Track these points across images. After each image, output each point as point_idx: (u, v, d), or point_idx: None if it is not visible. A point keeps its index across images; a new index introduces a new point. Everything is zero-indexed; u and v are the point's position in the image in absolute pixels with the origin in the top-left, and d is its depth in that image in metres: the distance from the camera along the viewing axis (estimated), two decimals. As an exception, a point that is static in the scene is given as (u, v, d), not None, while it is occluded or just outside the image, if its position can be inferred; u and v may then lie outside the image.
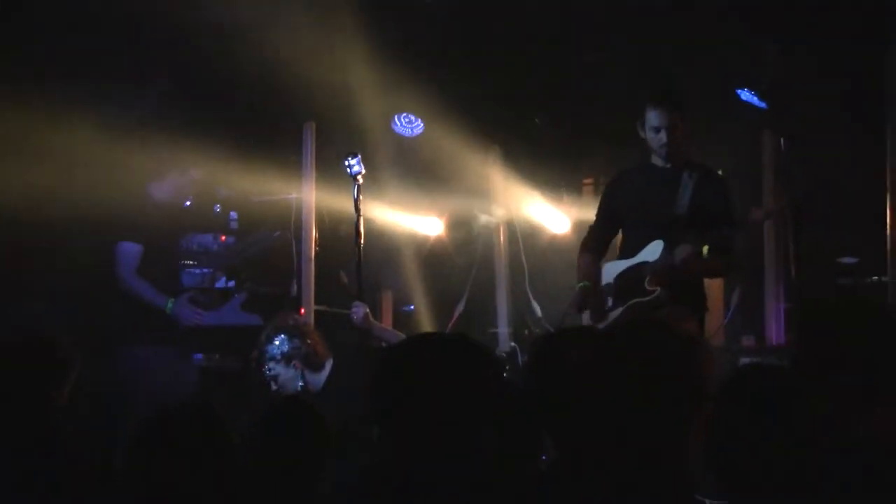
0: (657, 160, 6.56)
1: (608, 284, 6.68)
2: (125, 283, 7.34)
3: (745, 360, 7.29)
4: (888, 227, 6.06)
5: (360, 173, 6.82)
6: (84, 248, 7.54)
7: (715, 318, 8.32)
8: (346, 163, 6.83)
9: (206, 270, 7.90)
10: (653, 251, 6.48)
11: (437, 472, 2.96)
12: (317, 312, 8.09)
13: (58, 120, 7.31)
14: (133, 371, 7.23)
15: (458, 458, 2.99)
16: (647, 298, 6.43)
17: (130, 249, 7.35)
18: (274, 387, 6.56)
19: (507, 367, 8.26)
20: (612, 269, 6.71)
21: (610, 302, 6.65)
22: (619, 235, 6.89)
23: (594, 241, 6.89)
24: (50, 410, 4.27)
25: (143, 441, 3.37)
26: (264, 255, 8.18)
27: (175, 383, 7.32)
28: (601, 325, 6.45)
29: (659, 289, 6.41)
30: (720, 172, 6.95)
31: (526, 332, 8.62)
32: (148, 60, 7.76)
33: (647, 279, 6.45)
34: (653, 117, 6.46)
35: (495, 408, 3.10)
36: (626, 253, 6.69)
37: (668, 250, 6.42)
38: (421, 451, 2.97)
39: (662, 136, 6.44)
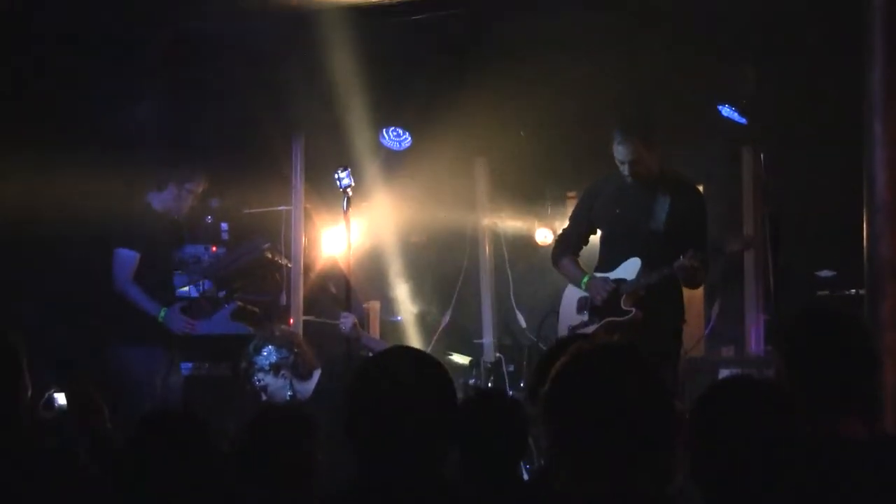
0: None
1: (584, 297, 6.78)
2: (120, 288, 7.39)
3: (724, 371, 7.38)
4: (865, 240, 6.15)
5: (349, 186, 6.88)
6: (82, 252, 7.63)
7: (696, 330, 8.43)
8: (336, 175, 6.88)
9: (196, 280, 7.97)
10: (630, 269, 6.57)
11: (403, 484, 3.03)
12: (305, 322, 8.17)
13: (59, 130, 7.40)
14: (120, 372, 7.26)
15: (421, 469, 3.07)
16: (623, 319, 6.53)
17: (127, 256, 7.42)
18: (264, 397, 6.63)
19: (492, 377, 8.35)
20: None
21: (585, 316, 6.75)
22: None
23: (569, 245, 6.96)
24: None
25: (129, 448, 3.42)
26: (254, 265, 8.24)
27: (163, 387, 7.38)
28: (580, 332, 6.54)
29: (634, 309, 6.52)
30: (699, 188, 7.07)
31: (510, 342, 8.70)
32: (145, 73, 7.83)
33: (623, 298, 6.57)
34: (618, 151, 6.55)
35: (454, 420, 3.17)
36: (602, 266, 6.77)
37: (645, 269, 6.53)
38: (384, 465, 3.04)
39: (626, 168, 6.55)
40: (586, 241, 7.02)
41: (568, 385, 2.55)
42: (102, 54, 7.49)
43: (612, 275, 6.64)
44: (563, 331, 6.78)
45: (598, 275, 6.74)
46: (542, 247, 9.46)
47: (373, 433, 3.05)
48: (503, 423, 3.98)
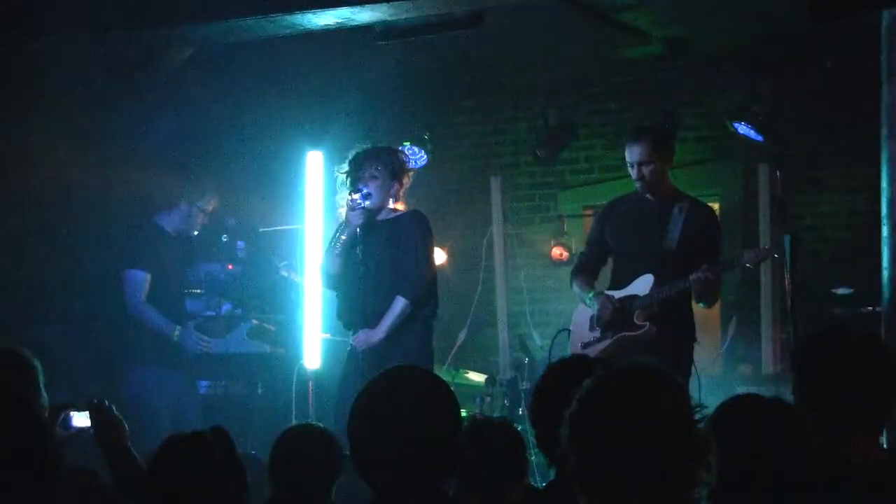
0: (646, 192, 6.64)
1: (595, 315, 6.76)
2: (135, 309, 7.38)
3: (741, 389, 7.36)
4: (884, 258, 6.13)
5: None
6: (94, 274, 7.64)
7: (713, 348, 8.41)
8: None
9: (212, 298, 7.96)
10: (643, 285, 6.54)
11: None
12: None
13: (70, 150, 7.42)
14: (137, 392, 7.24)
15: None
16: (636, 333, 6.50)
17: (138, 277, 7.41)
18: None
19: (508, 395, 8.33)
20: None
21: (598, 332, 6.73)
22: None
23: (583, 266, 6.94)
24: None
25: (157, 467, 3.43)
26: (270, 283, 8.23)
27: (179, 407, 7.42)
28: (591, 353, 6.51)
29: (647, 324, 6.51)
30: (714, 206, 7.05)
31: (526, 360, 8.68)
32: (158, 91, 7.85)
33: (637, 313, 6.54)
34: (628, 153, 6.55)
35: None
36: (615, 284, 6.74)
37: (658, 284, 6.51)
38: (387, 484, 3.05)
39: (634, 172, 6.54)
40: (604, 262, 6.97)
41: (596, 408, 2.53)
42: (114, 71, 7.50)
43: (625, 291, 6.61)
44: (575, 348, 6.74)
45: (607, 292, 6.73)
46: (558, 263, 9.44)
47: (375, 452, 3.06)
48: (499, 450, 4.01)
